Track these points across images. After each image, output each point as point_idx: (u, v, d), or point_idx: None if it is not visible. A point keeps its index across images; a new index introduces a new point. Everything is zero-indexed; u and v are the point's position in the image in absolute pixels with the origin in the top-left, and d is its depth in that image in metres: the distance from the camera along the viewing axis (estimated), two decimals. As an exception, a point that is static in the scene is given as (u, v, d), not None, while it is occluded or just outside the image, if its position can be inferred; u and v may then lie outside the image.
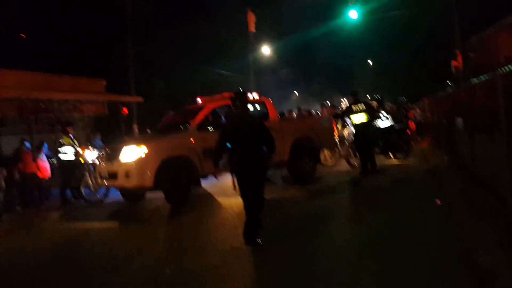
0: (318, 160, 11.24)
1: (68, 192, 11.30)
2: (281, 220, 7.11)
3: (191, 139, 9.12)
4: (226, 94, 10.39)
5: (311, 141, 10.90)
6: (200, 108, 9.96)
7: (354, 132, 11.57)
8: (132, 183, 8.59)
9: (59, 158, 11.36)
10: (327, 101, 21.96)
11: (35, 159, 11.42)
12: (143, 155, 8.56)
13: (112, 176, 8.94)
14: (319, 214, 7.50)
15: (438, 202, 7.26)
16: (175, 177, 8.72)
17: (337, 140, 13.80)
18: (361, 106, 11.01)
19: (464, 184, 7.98)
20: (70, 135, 11.32)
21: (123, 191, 9.95)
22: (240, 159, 5.82)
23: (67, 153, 11.11)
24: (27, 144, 11.46)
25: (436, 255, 4.84)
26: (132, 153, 8.63)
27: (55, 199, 11.56)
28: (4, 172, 10.24)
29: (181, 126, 9.96)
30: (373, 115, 11.43)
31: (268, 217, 6.56)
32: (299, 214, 7.58)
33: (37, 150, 11.79)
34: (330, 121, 12.24)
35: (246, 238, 5.77)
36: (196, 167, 9.00)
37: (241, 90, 6.52)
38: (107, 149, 9.82)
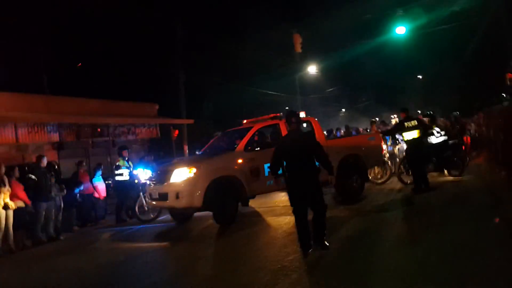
0: (365, 178, 11.04)
1: (124, 212, 11.75)
2: (330, 239, 7.00)
3: (239, 159, 9.25)
4: (271, 115, 10.60)
5: (358, 159, 10.74)
6: (246, 129, 10.13)
7: (406, 148, 11.37)
8: (182, 203, 8.77)
9: (114, 179, 11.88)
10: (376, 118, 21.62)
11: (91, 181, 11.94)
12: (193, 176, 8.72)
13: (163, 197, 9.11)
14: (370, 233, 7.33)
15: (497, 220, 6.96)
16: (224, 197, 8.85)
17: (387, 157, 13.59)
18: (414, 122, 10.83)
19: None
20: (125, 157, 11.82)
21: (173, 211, 10.14)
22: (296, 173, 6.27)
23: (122, 174, 11.58)
24: (85, 167, 12.01)
25: (496, 279, 4.62)
26: (182, 174, 8.81)
27: (111, 219, 12.00)
28: (64, 192, 10.75)
29: (229, 147, 10.15)
30: (426, 131, 11.21)
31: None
32: (350, 233, 7.42)
33: (94, 172, 12.34)
34: (378, 138, 12.05)
35: (303, 247, 6.16)
36: (244, 187, 9.09)
37: (289, 110, 7.27)
38: (157, 171, 10.07)
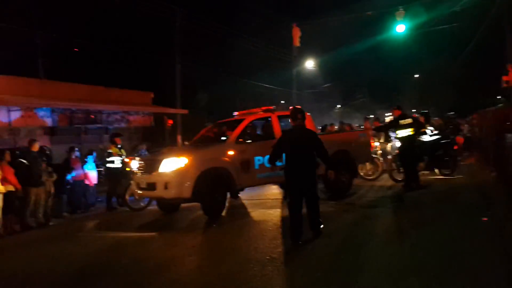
0: (354, 174, 11.03)
1: (114, 200, 11.72)
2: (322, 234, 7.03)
3: (230, 151, 9.15)
4: (263, 108, 10.52)
5: (347, 155, 10.72)
6: (238, 121, 10.01)
7: (399, 146, 11.41)
8: (170, 194, 8.65)
9: (106, 166, 11.83)
10: (371, 116, 21.63)
11: (83, 167, 11.88)
12: (183, 167, 8.60)
13: (151, 187, 8.97)
14: (359, 228, 7.38)
15: (485, 219, 7.01)
16: (213, 189, 8.74)
17: (379, 153, 13.63)
18: (408, 120, 10.90)
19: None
20: (118, 145, 11.77)
21: (160, 202, 10.05)
22: (297, 164, 6.66)
23: (114, 162, 11.54)
24: (77, 153, 11.94)
25: (485, 275, 4.68)
26: (171, 164, 8.68)
27: (101, 206, 11.97)
28: (54, 178, 10.70)
29: (219, 139, 10.10)
30: (419, 129, 11.27)
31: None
32: (339, 228, 7.45)
33: (85, 158, 12.27)
34: (367, 135, 12.07)
35: (294, 239, 6.52)
36: (234, 179, 9.00)
37: (296, 107, 7.52)
38: (145, 159, 9.91)
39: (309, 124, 10.32)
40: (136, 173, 9.78)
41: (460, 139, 16.12)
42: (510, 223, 6.58)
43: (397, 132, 10.95)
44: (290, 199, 6.84)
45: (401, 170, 11.87)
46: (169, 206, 10.06)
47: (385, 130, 12.03)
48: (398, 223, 7.74)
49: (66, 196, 11.52)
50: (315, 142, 6.84)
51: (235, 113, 11.16)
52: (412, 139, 10.91)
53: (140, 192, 9.58)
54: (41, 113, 16.15)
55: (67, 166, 11.50)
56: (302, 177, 6.67)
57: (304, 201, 6.68)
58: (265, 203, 10.47)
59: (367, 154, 11.71)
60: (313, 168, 6.73)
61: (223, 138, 10.01)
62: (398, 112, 11.29)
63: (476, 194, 9.63)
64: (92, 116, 18.24)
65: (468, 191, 10.00)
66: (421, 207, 8.79)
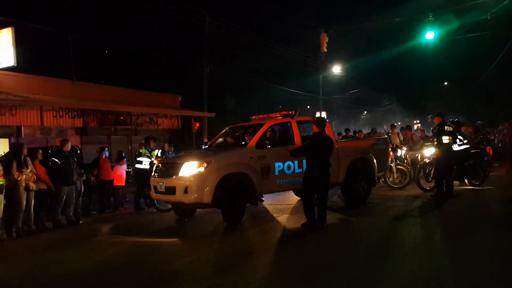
0: (373, 183, 10.85)
1: (142, 200, 11.91)
2: (346, 245, 7.00)
3: (250, 156, 8.93)
4: (283, 113, 10.35)
5: (366, 163, 10.61)
6: (258, 125, 9.79)
7: (432, 154, 11.28)
8: (190, 199, 8.39)
9: (135, 167, 12.05)
10: (399, 123, 21.34)
11: (112, 168, 12.11)
12: (204, 171, 8.40)
13: (170, 190, 8.73)
14: (387, 240, 7.27)
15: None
16: (234, 194, 8.57)
17: (408, 162, 13.49)
18: (450, 128, 10.83)
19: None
20: (150, 148, 11.96)
21: (178, 206, 9.71)
22: (319, 165, 8.08)
23: (142, 162, 11.74)
24: (107, 153, 12.19)
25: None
26: (192, 168, 8.47)
27: (130, 206, 12.17)
28: (83, 177, 10.95)
29: (237, 143, 9.99)
30: (455, 138, 11.11)
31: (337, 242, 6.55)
32: (369, 239, 7.42)
33: (116, 159, 12.52)
34: (386, 143, 11.93)
35: (310, 220, 8.00)
36: (255, 185, 8.78)
37: (319, 117, 8.39)
38: (164, 162, 9.66)
39: (328, 130, 10.28)
40: (154, 175, 9.60)
41: (489, 150, 15.77)
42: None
43: (442, 138, 10.74)
44: (307, 190, 8.21)
45: (430, 180, 11.72)
46: (185, 211, 9.83)
47: (438, 136, 11.47)
48: (427, 233, 7.58)
49: (96, 196, 11.78)
50: (332, 146, 8.32)
51: (253, 117, 11.11)
52: (450, 148, 10.77)
53: (158, 195, 9.36)
54: (72, 113, 16.53)
55: (97, 166, 11.73)
56: (319, 173, 8.04)
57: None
58: (285, 210, 10.40)
59: (384, 163, 11.49)
60: (327, 168, 8.14)
61: (241, 142, 9.90)
62: (439, 120, 11.09)
63: (507, 205, 9.44)
64: (122, 118, 18.57)
65: (499, 203, 9.80)
66: (451, 217, 8.65)
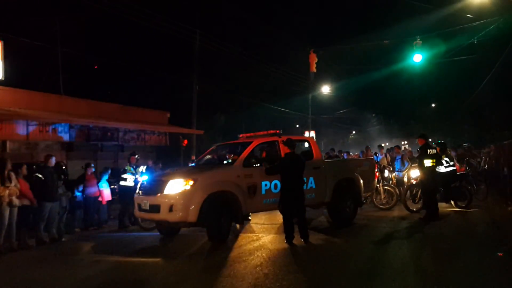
0: (359, 203, 10.87)
1: (127, 218, 11.75)
2: (333, 266, 6.94)
3: (237, 175, 8.85)
4: (270, 131, 10.39)
5: (353, 183, 10.65)
6: (245, 143, 9.76)
7: (418, 176, 11.35)
8: (175, 217, 8.24)
9: (119, 184, 11.91)
10: (387, 143, 21.49)
11: (98, 184, 11.96)
12: (189, 189, 8.27)
13: (154, 209, 8.55)
14: (373, 261, 7.25)
15: (501, 255, 6.88)
16: (220, 213, 8.46)
17: (394, 183, 13.56)
18: (433, 150, 10.93)
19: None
20: (133, 164, 11.85)
21: (161, 225, 9.46)
22: (291, 184, 8.38)
23: (126, 179, 11.62)
24: (93, 169, 12.04)
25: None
26: (178, 186, 8.34)
27: (114, 223, 11.99)
28: (69, 194, 10.78)
29: (223, 161, 9.96)
30: (439, 160, 11.18)
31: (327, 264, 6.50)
32: (356, 260, 7.38)
33: (100, 175, 12.36)
34: (372, 164, 11.99)
35: (288, 238, 8.35)
36: (241, 204, 8.70)
37: (288, 138, 8.96)
38: (149, 180, 9.52)
39: (314, 148, 10.36)
40: (138, 193, 9.44)
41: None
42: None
43: (424, 161, 10.81)
44: (284, 210, 8.43)
45: (417, 201, 11.76)
46: (169, 230, 9.63)
47: (420, 159, 11.56)
48: (414, 255, 7.58)
49: (79, 212, 11.60)
50: (303, 165, 8.60)
51: (240, 136, 11.07)
52: (434, 170, 10.83)
53: (142, 213, 9.17)
54: (59, 128, 16.36)
55: (83, 182, 11.58)
56: (293, 192, 8.36)
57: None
58: (274, 227, 10.33)
59: (370, 183, 11.54)
60: (302, 186, 8.56)
61: (227, 160, 9.87)
62: (422, 141, 11.18)
63: (492, 228, 9.49)
64: (109, 134, 18.42)
65: (484, 225, 9.86)
66: (437, 239, 8.67)
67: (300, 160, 8.65)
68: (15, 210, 8.98)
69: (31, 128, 15.37)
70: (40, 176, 9.74)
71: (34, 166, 10.79)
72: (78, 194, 11.47)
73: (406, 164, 14.27)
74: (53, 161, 10.19)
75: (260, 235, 9.52)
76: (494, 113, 35.37)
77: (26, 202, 9.27)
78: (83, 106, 18.28)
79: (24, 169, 9.56)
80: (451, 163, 12.06)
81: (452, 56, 23.82)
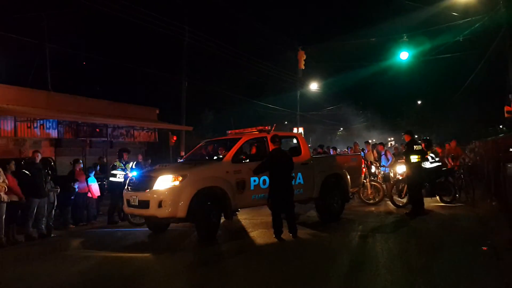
0: (346, 198, 11.06)
1: (116, 213, 11.77)
2: (320, 260, 7.05)
3: (226, 170, 8.92)
4: (259, 128, 10.42)
5: (340, 179, 10.80)
6: (234, 139, 9.82)
7: (405, 171, 11.53)
8: (164, 213, 8.27)
9: (109, 180, 11.92)
10: (373, 140, 21.70)
11: (87, 180, 11.96)
12: (179, 185, 8.32)
13: (143, 204, 8.58)
14: (360, 256, 7.39)
15: (485, 249, 7.06)
16: (209, 209, 8.51)
17: (380, 178, 13.75)
18: (419, 146, 11.10)
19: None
20: (123, 160, 11.84)
21: (150, 221, 9.48)
22: (280, 179, 8.50)
23: (116, 175, 11.63)
24: (81, 165, 12.03)
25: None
26: (167, 182, 8.37)
27: (103, 219, 12.01)
28: (57, 190, 10.75)
29: (213, 157, 10.01)
30: (424, 156, 11.37)
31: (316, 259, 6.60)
32: (343, 254, 7.50)
33: (89, 171, 12.35)
34: (359, 159, 12.16)
35: (277, 232, 8.42)
36: (230, 199, 8.77)
37: (274, 134, 9.19)
38: (138, 176, 9.54)
39: (302, 144, 10.44)
40: (127, 188, 9.44)
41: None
42: (508, 254, 6.63)
43: (411, 157, 10.98)
44: (273, 204, 8.52)
45: (403, 196, 11.95)
46: (158, 226, 9.64)
47: (406, 155, 11.70)
48: (400, 249, 7.71)
49: (70, 209, 11.58)
50: (291, 160, 8.73)
51: (229, 132, 11.13)
52: (419, 165, 11.03)
53: (131, 209, 9.21)
54: (47, 124, 16.29)
55: (72, 178, 11.55)
56: (282, 187, 8.47)
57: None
58: (263, 223, 10.40)
59: (357, 179, 11.68)
60: (290, 181, 8.70)
61: (217, 156, 9.93)
62: (408, 138, 11.36)
63: (477, 222, 9.68)
64: (98, 130, 18.38)
65: (469, 220, 10.04)
66: (423, 234, 8.84)
67: (286, 155, 8.77)
68: (4, 206, 8.96)
69: (19, 125, 15.30)
70: (27, 172, 9.71)
71: (22, 162, 10.77)
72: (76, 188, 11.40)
73: (390, 159, 14.48)
74: (39, 157, 10.15)
75: (249, 230, 9.63)
76: (479, 110, 35.84)
77: (14, 198, 9.25)
78: (71, 102, 18.19)
79: (12, 165, 9.52)
80: (437, 159, 12.28)
81: (438, 54, 24.13)
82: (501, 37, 18.07)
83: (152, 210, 8.44)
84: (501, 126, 28.41)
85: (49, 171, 10.55)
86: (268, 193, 8.67)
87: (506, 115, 18.26)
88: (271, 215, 8.64)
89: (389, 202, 12.25)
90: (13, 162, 9.72)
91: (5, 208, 8.99)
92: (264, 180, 9.25)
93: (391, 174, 14.15)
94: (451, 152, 14.38)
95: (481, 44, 22.82)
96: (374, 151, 16.06)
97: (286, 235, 8.47)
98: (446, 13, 19.36)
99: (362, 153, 14.70)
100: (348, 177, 10.98)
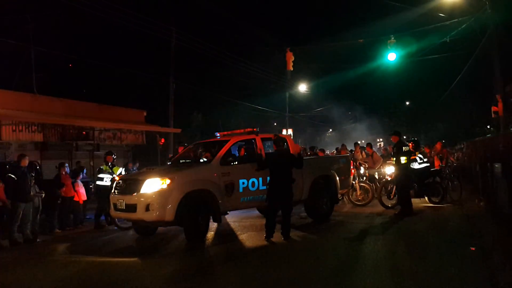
0: (335, 200, 11.09)
1: (103, 217, 11.61)
2: (309, 262, 7.00)
3: (214, 173, 8.84)
4: (247, 129, 10.36)
5: (330, 180, 10.80)
6: (222, 141, 9.75)
7: (393, 172, 11.55)
8: (152, 216, 8.15)
9: (96, 184, 11.76)
10: (363, 141, 21.73)
11: (73, 184, 11.79)
12: (166, 188, 8.20)
13: (130, 208, 8.45)
14: (350, 257, 7.35)
15: (473, 249, 7.07)
16: (197, 212, 8.42)
17: (366, 179, 13.76)
18: (407, 148, 11.16)
19: (500, 230, 7.72)
20: (110, 163, 11.70)
21: (138, 224, 9.35)
22: (279, 179, 8.48)
23: (102, 179, 11.49)
24: (67, 169, 11.86)
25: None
26: (154, 185, 8.25)
27: (90, 223, 11.84)
28: (42, 194, 10.56)
29: (203, 159, 9.90)
30: (410, 157, 11.40)
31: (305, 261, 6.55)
32: (332, 256, 7.48)
33: (75, 175, 12.18)
34: (348, 161, 12.16)
35: (268, 233, 8.39)
36: (218, 202, 8.68)
37: (279, 136, 9.35)
38: (124, 179, 9.39)
39: (291, 145, 10.40)
40: (114, 192, 9.27)
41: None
42: (497, 253, 6.63)
43: (400, 158, 10.98)
44: (269, 204, 8.54)
45: (391, 197, 11.96)
46: (146, 229, 9.56)
47: (395, 156, 11.49)
48: (389, 250, 7.71)
49: (55, 213, 11.39)
50: (291, 159, 8.82)
51: (217, 134, 11.05)
52: (408, 167, 11.07)
53: (118, 213, 9.07)
54: (32, 127, 16.07)
55: (58, 182, 11.37)
56: (281, 187, 8.45)
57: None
58: (252, 225, 10.34)
59: (346, 180, 11.68)
60: (289, 182, 8.50)
61: (204, 159, 9.82)
62: (396, 139, 11.39)
63: (465, 223, 9.72)
64: (84, 133, 18.18)
65: (457, 220, 10.07)
66: (412, 234, 8.85)
67: (288, 154, 9.04)
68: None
69: (3, 128, 15.07)
70: (12, 176, 9.55)
71: (7, 166, 10.59)
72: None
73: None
74: (26, 161, 9.97)
75: (238, 233, 9.56)
76: (467, 110, 36.15)
77: (-1, 202, 9.09)
78: (57, 105, 17.99)
79: (-4, 169, 9.36)
80: (425, 160, 12.31)
81: (426, 55, 24.28)
82: (488, 38, 18.20)
83: (140, 214, 8.31)
84: (488, 127, 28.67)
85: (34, 175, 10.37)
86: (266, 193, 8.69)
87: (493, 115, 18.42)
88: (260, 218, 8.61)
89: (378, 203, 12.24)
90: (-3, 166, 9.55)
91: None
92: (253, 183, 9.20)
93: (376, 176, 14.19)
94: (437, 152, 14.44)
95: (468, 45, 23.01)
96: (363, 152, 16.07)
97: (275, 237, 8.41)
98: (433, 14, 19.47)
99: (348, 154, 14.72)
100: (337, 178, 10.95)
